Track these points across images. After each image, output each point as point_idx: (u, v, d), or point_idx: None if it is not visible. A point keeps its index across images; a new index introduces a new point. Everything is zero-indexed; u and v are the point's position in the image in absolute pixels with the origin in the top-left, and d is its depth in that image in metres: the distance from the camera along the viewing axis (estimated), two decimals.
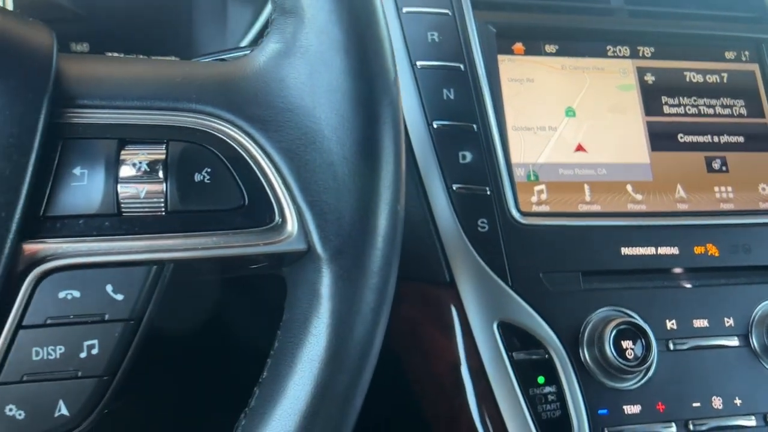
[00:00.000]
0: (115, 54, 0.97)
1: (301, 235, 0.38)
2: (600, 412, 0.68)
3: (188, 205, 0.38)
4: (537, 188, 0.76)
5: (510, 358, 0.68)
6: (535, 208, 0.75)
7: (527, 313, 0.69)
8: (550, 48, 0.82)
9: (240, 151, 0.38)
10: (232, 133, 0.39)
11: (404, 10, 0.76)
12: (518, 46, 0.81)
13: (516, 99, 0.78)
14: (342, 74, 0.38)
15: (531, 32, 0.81)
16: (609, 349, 0.67)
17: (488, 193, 0.72)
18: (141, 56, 0.43)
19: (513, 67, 0.79)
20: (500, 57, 0.79)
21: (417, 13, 0.75)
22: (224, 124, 0.39)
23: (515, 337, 0.68)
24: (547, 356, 0.68)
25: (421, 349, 0.73)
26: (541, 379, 0.68)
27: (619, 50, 0.83)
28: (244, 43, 0.85)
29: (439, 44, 0.74)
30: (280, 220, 0.38)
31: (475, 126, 0.73)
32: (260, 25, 0.83)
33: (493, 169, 0.73)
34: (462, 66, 0.75)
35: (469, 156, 0.72)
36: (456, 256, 0.69)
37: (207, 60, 0.55)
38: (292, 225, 0.38)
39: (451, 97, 0.73)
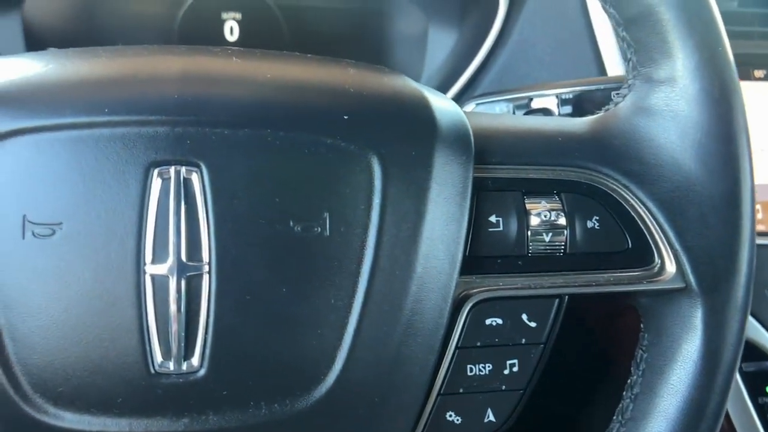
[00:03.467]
0: None
1: (679, 275, 0.45)
2: None
3: (583, 248, 0.45)
4: None
5: (739, 369, 0.73)
6: None
7: (754, 327, 0.75)
8: (758, 73, 0.86)
9: (621, 201, 0.45)
10: (612, 185, 0.45)
11: None
12: None
13: None
14: (710, 136, 0.45)
15: (740, 59, 0.85)
16: None
17: None
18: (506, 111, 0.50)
19: None
20: None
21: None
22: (605, 178, 0.45)
23: (743, 349, 0.74)
24: None
25: None
26: None
27: None
28: (456, 88, 0.90)
29: None
30: (660, 261, 0.45)
31: None
32: (474, 68, 0.89)
33: None
34: None
35: None
36: None
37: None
38: (670, 266, 0.45)
39: None
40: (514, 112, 0.64)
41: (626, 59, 0.48)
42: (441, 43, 1.01)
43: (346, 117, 0.40)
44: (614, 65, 0.81)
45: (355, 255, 0.40)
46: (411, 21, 1.02)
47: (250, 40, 0.99)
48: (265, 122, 0.39)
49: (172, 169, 0.38)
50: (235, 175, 0.38)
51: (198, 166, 0.38)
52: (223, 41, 0.99)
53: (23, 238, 0.37)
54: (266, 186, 0.39)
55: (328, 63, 0.46)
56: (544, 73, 0.84)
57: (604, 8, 0.47)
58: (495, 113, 0.50)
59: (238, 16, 0.98)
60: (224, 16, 0.98)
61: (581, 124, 0.48)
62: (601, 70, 0.82)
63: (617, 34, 0.48)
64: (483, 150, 0.45)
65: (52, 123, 0.37)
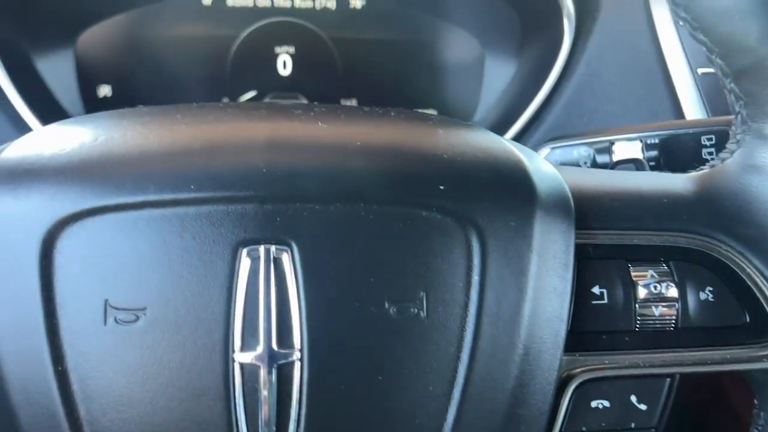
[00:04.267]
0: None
1: None
2: None
3: (696, 322, 0.41)
4: None
5: None
6: None
7: None
8: None
9: (736, 270, 0.42)
10: (726, 252, 0.42)
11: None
12: None
13: None
14: None
15: None
16: None
17: None
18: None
19: None
20: None
21: None
22: (717, 244, 0.42)
23: None
24: None
25: None
26: None
27: None
28: (520, 123, 0.87)
29: None
30: None
31: None
32: (539, 102, 0.85)
33: None
34: None
35: None
36: None
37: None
38: None
39: None
40: (595, 158, 0.61)
41: (734, 112, 0.44)
42: (499, 74, 0.98)
43: (441, 187, 0.37)
44: (689, 100, 0.77)
45: (454, 337, 0.37)
46: (466, 51, 0.99)
47: (303, 74, 0.97)
48: (358, 196, 0.36)
49: (261, 249, 0.35)
50: (328, 253, 0.36)
51: (288, 245, 0.35)
52: (275, 75, 0.97)
53: (105, 324, 0.35)
54: (360, 265, 0.36)
55: (414, 121, 0.43)
56: (614, 108, 0.80)
57: (709, 59, 0.44)
58: (588, 169, 0.47)
59: (292, 50, 0.96)
60: (277, 50, 0.96)
61: (686, 182, 0.45)
62: (676, 105, 0.78)
63: (724, 86, 0.44)
64: (582, 214, 0.41)
65: (136, 200, 0.35)
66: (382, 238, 0.36)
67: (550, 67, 0.86)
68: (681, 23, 0.42)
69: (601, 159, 0.61)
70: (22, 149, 0.38)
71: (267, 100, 0.97)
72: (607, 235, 0.42)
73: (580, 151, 0.61)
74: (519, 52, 0.94)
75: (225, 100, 0.97)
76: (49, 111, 0.92)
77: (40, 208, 0.35)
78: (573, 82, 0.84)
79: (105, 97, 0.96)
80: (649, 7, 0.83)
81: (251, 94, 0.97)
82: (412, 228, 0.37)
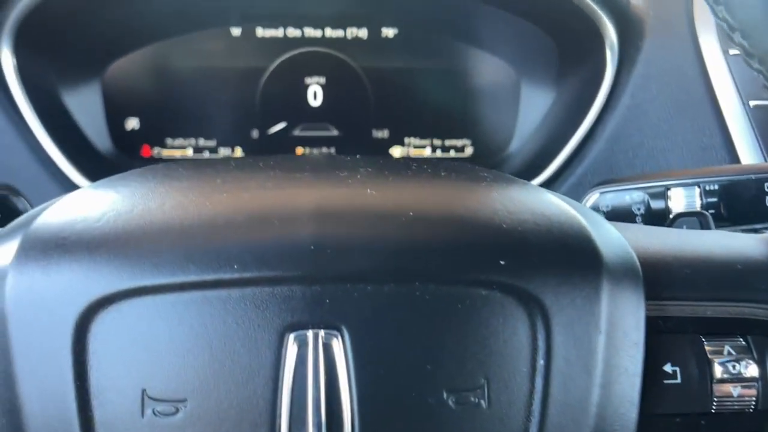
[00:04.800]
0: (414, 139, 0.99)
1: None
2: None
3: None
4: None
5: None
6: None
7: None
8: None
9: None
10: None
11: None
12: None
13: None
14: None
15: None
16: None
17: None
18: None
19: None
20: None
21: None
22: None
23: None
24: None
25: None
26: None
27: None
28: (563, 156, 0.83)
29: None
30: None
31: None
32: (582, 135, 0.81)
33: None
34: None
35: None
36: None
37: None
38: None
39: None
40: (649, 204, 0.57)
41: None
42: (535, 103, 0.94)
43: (502, 263, 0.34)
44: (741, 134, 0.74)
45: (518, 429, 0.34)
46: (501, 79, 0.96)
47: (334, 105, 0.95)
48: (413, 274, 0.33)
49: (309, 334, 0.33)
50: (381, 338, 0.33)
51: (339, 329, 0.33)
52: (306, 106, 0.95)
53: (142, 416, 0.32)
54: (416, 350, 0.33)
55: (467, 183, 0.40)
56: (661, 143, 0.77)
57: None
58: (650, 228, 0.43)
59: (322, 80, 0.94)
60: (308, 80, 0.94)
61: (760, 244, 0.41)
62: (727, 139, 0.74)
63: None
64: (651, 283, 0.38)
65: (175, 282, 0.32)
66: (440, 321, 0.33)
67: (592, 98, 0.82)
68: (756, 74, 0.39)
69: (656, 205, 0.57)
70: (54, 218, 0.36)
71: (297, 131, 0.95)
72: (679, 307, 0.39)
73: (633, 196, 0.58)
74: (557, 81, 0.91)
75: (254, 132, 0.95)
76: (76, 144, 0.90)
77: (73, 288, 0.33)
78: (616, 115, 0.80)
79: (133, 130, 0.95)
80: (696, 35, 0.80)
81: (281, 125, 0.95)
82: (471, 308, 0.34)
